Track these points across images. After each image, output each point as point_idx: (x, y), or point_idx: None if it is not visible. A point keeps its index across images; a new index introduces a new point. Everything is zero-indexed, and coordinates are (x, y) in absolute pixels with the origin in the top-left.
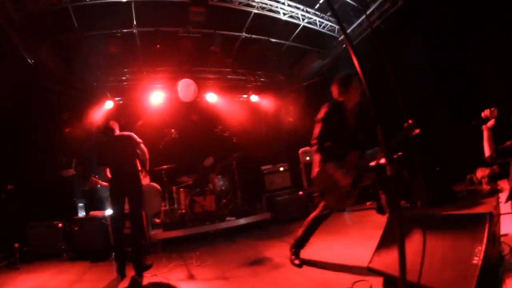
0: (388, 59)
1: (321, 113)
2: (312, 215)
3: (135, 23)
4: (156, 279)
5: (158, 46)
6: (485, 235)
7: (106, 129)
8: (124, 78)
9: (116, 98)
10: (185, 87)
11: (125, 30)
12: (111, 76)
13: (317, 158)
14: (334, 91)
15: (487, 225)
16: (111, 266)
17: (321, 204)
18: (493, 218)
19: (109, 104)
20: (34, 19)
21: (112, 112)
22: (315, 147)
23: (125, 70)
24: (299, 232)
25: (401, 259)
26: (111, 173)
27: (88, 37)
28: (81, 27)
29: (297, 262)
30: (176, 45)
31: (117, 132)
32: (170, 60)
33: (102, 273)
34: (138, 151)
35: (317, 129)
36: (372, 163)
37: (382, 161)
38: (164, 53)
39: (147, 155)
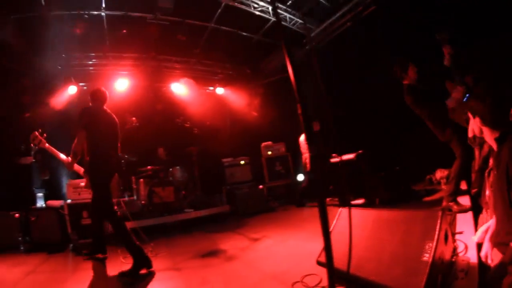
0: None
1: None
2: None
3: (104, 5)
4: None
5: (124, 31)
6: (436, 232)
7: (97, 94)
8: (89, 62)
9: (81, 84)
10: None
11: (93, 12)
12: (76, 60)
13: None
14: None
15: (438, 222)
16: (68, 257)
17: None
18: (445, 215)
19: (72, 89)
20: None
21: (75, 98)
22: None
23: (91, 54)
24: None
25: (327, 253)
26: (93, 149)
27: (55, 17)
28: (48, 5)
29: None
30: (143, 31)
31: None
32: (136, 47)
33: (57, 264)
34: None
35: None
36: (335, 159)
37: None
38: (131, 39)
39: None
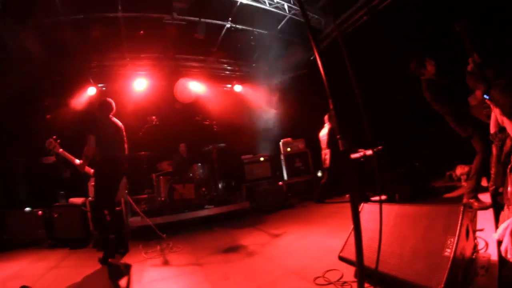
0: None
1: None
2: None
3: (120, 7)
4: (131, 265)
5: (142, 32)
6: (458, 227)
7: (104, 105)
8: (107, 64)
9: (99, 85)
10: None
11: (110, 15)
12: (94, 62)
13: None
14: None
15: (460, 217)
16: (90, 253)
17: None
18: (467, 211)
19: (91, 91)
20: (16, 1)
21: (95, 99)
22: None
23: (109, 56)
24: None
25: (358, 249)
26: (103, 153)
27: (72, 21)
28: (65, 10)
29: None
30: (160, 32)
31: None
32: (154, 47)
33: (80, 260)
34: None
35: None
36: (356, 155)
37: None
38: (148, 40)
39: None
